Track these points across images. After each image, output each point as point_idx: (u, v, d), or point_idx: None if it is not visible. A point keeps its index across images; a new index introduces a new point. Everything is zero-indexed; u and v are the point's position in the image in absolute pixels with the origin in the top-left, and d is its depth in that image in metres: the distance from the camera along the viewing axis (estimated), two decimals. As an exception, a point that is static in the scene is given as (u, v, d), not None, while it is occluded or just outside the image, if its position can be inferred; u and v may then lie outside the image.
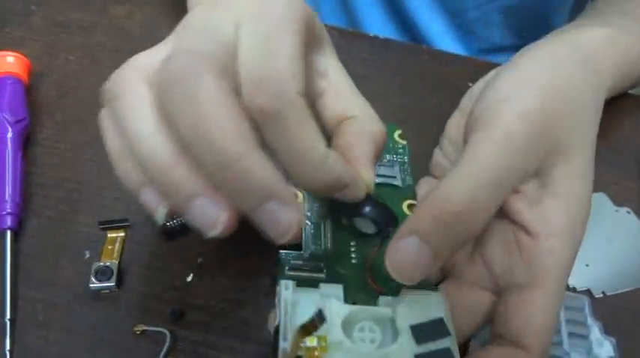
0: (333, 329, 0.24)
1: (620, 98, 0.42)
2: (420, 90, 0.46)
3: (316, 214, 0.32)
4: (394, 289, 0.27)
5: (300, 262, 0.29)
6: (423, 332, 0.24)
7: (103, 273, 0.32)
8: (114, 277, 0.32)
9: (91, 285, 0.32)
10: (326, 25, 0.31)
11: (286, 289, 0.25)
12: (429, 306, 0.25)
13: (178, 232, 0.35)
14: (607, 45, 0.33)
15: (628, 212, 0.39)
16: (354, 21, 0.60)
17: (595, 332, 0.32)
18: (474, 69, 0.44)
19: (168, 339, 0.30)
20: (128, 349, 0.31)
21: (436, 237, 0.23)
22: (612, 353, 0.31)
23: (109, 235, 0.35)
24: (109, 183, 0.37)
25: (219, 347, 0.31)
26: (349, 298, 0.26)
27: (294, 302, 0.25)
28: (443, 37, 0.59)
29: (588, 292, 0.35)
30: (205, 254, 0.35)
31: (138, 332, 0.31)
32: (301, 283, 0.26)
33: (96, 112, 0.26)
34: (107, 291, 0.33)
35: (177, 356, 0.31)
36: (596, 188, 0.32)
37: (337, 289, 0.26)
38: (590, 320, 0.32)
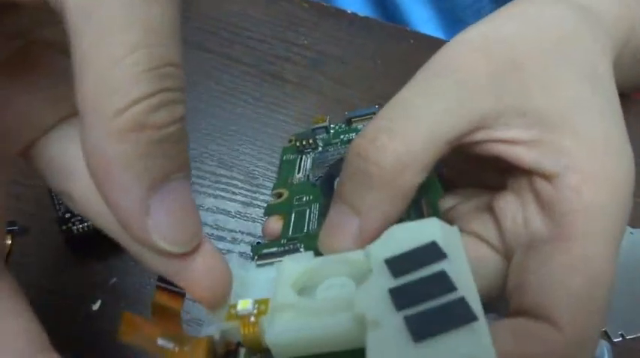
0: (281, 290, 0.18)
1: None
2: (403, 78, 0.38)
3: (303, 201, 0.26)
4: None
5: (274, 249, 0.23)
6: (405, 262, 0.17)
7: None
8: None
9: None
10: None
11: (234, 265, 0.19)
12: (418, 235, 0.18)
13: (86, 240, 0.27)
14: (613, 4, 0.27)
15: (646, 235, 0.33)
16: (328, -1, 0.52)
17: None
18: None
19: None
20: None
21: (352, 195, 0.20)
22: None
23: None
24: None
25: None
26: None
27: (246, 283, 0.19)
28: (427, 24, 0.52)
29: (605, 335, 0.29)
30: (121, 273, 0.26)
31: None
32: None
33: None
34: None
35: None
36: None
37: (305, 255, 0.21)
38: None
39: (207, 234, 0.30)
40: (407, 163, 0.20)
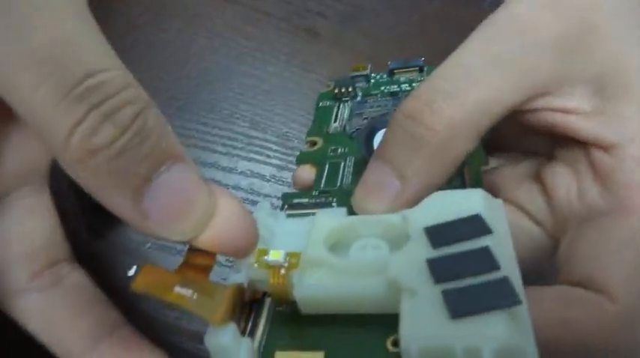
0: (313, 245, 0.17)
1: None
2: (440, 34, 0.37)
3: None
4: None
5: (305, 200, 0.22)
6: (445, 233, 0.16)
7: None
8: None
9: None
10: None
11: (260, 211, 0.19)
12: (460, 205, 0.17)
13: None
14: None
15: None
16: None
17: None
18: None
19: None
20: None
21: (398, 157, 0.19)
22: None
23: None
24: None
25: None
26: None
27: (276, 233, 0.19)
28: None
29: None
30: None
31: None
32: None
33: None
34: None
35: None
36: None
37: (339, 211, 0.20)
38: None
39: (242, 198, 0.30)
40: (462, 130, 0.19)
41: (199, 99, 0.34)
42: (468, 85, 0.19)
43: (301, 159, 0.26)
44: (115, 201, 0.14)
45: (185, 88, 0.34)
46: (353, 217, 0.19)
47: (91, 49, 0.14)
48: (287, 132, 0.32)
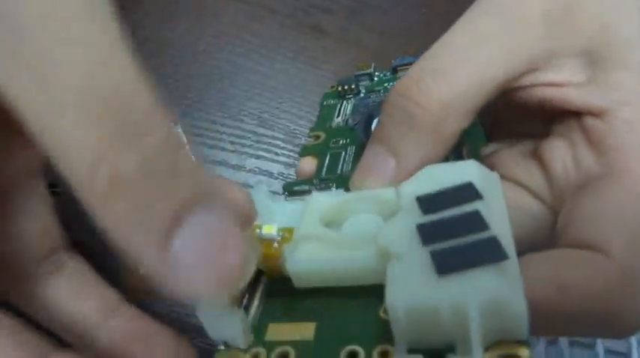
0: (307, 220, 0.17)
1: None
2: (446, 31, 0.36)
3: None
4: None
5: (305, 187, 0.23)
6: (437, 200, 0.16)
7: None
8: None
9: None
10: None
11: (257, 193, 0.18)
12: (454, 176, 0.17)
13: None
14: None
15: None
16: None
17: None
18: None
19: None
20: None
21: (391, 136, 0.19)
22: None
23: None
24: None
25: None
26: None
27: (273, 213, 0.18)
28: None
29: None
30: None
31: None
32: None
33: None
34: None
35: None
36: None
37: (336, 193, 0.20)
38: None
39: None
40: (452, 107, 0.19)
41: (207, 97, 0.34)
42: (456, 63, 0.19)
43: (304, 152, 0.26)
44: (138, 246, 0.12)
45: (193, 86, 0.34)
46: (346, 194, 0.19)
47: (122, 67, 0.13)
48: (294, 129, 0.32)
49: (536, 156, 0.22)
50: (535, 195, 0.22)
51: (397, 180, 0.19)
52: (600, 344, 0.27)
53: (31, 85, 0.12)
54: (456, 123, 0.19)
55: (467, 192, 0.16)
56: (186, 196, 0.12)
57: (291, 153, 0.31)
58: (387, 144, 0.20)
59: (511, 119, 0.24)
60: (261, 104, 0.33)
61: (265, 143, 0.32)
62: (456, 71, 0.19)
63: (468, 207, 0.15)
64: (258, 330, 0.17)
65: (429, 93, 0.19)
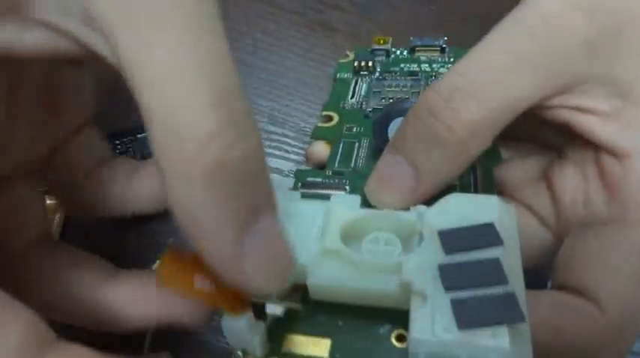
0: (329, 235, 0.18)
1: None
2: (461, 27, 0.36)
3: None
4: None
5: (318, 179, 0.23)
6: (458, 239, 0.17)
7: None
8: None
9: None
10: None
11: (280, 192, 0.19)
12: (475, 211, 0.18)
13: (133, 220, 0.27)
14: None
15: None
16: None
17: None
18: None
19: None
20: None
21: (415, 151, 0.19)
22: None
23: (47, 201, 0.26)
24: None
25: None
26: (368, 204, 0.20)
27: (290, 213, 0.19)
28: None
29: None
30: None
31: None
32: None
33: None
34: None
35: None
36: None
37: (353, 198, 0.20)
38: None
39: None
40: (480, 130, 0.19)
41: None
42: (489, 84, 0.19)
43: (316, 134, 0.26)
44: (218, 236, 0.13)
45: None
46: (368, 211, 0.19)
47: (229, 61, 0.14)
48: (305, 127, 0.32)
49: (547, 179, 0.22)
50: (541, 219, 0.22)
51: (414, 194, 0.19)
52: None
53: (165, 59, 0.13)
54: (480, 145, 0.19)
55: (488, 234, 0.17)
56: (264, 200, 0.14)
57: (302, 151, 0.31)
58: (408, 157, 0.20)
59: (529, 126, 0.24)
60: (271, 102, 0.33)
61: (276, 141, 0.32)
62: (488, 93, 0.19)
63: (488, 253, 0.16)
64: (275, 339, 0.17)
65: (459, 115, 0.19)
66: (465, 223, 0.17)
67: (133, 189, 0.22)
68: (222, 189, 0.13)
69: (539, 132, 0.24)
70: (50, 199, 0.26)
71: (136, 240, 0.28)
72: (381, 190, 0.20)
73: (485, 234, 0.17)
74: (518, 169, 0.24)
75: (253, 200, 0.13)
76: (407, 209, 0.19)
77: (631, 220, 0.19)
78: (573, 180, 0.21)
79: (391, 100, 0.27)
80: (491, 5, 0.34)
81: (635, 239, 0.19)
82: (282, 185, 0.19)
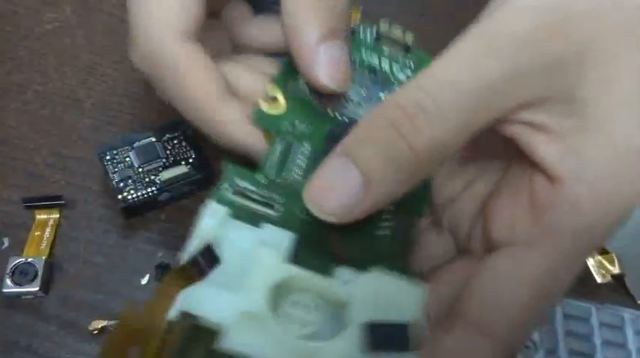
0: (255, 293, 0.18)
1: None
2: (451, 34, 0.34)
3: (297, 130, 0.24)
4: (362, 260, 0.20)
5: (251, 187, 0.21)
6: (375, 337, 0.18)
7: (23, 273, 0.25)
8: (38, 279, 0.26)
9: (5, 290, 0.25)
10: None
11: (211, 217, 0.19)
12: (399, 299, 0.19)
13: (140, 208, 0.27)
14: None
15: None
16: None
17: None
18: None
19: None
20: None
21: (370, 161, 0.19)
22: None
23: (37, 216, 0.27)
24: (44, 141, 0.28)
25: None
26: (297, 255, 0.19)
27: (216, 238, 0.18)
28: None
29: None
30: (169, 247, 0.27)
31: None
32: (239, 216, 0.20)
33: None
34: (30, 297, 0.26)
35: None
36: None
37: (284, 237, 0.20)
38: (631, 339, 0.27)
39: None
40: (440, 150, 0.19)
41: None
42: (453, 104, 0.18)
43: (258, 121, 0.23)
44: (305, 36, 0.23)
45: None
46: (295, 271, 0.19)
47: None
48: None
49: (484, 213, 0.22)
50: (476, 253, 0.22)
51: (359, 206, 0.19)
52: (600, 355, 0.27)
53: None
54: (438, 164, 0.19)
55: (400, 338, 0.18)
56: (341, 28, 0.24)
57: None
58: (362, 165, 0.19)
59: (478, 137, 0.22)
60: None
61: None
62: (452, 114, 0.18)
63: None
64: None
65: (421, 134, 0.18)
66: (384, 316, 0.19)
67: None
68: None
69: (486, 144, 0.23)
70: (40, 214, 0.28)
71: (124, 254, 0.28)
72: (323, 196, 0.19)
73: (398, 338, 0.18)
74: (462, 202, 0.23)
75: (331, 21, 0.23)
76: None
77: (544, 244, 0.19)
78: (505, 214, 0.21)
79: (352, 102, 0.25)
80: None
81: (546, 263, 0.19)
82: (213, 214, 0.19)
